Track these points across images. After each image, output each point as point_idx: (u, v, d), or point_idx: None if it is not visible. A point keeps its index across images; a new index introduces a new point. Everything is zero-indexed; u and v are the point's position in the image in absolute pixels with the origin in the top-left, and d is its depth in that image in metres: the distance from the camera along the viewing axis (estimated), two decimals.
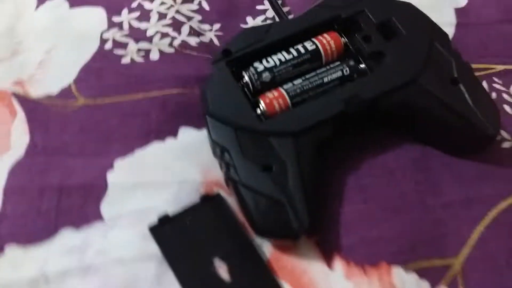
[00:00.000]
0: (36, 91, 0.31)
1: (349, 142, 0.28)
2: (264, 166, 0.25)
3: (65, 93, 0.31)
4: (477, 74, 0.31)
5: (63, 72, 0.32)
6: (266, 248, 0.25)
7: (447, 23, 0.35)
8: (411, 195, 0.27)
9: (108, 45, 0.33)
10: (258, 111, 0.26)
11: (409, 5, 0.30)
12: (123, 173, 0.27)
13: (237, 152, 0.25)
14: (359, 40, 0.29)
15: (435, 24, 0.30)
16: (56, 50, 0.33)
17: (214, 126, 0.26)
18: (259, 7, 0.37)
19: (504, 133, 0.29)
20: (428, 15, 0.30)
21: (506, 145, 0.29)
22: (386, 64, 0.28)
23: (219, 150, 0.26)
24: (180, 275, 0.24)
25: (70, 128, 0.29)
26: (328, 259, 0.25)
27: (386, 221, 0.26)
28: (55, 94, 0.31)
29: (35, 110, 0.30)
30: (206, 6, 0.36)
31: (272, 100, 0.27)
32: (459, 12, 0.36)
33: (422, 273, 0.24)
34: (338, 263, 0.25)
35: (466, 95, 0.27)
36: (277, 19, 0.34)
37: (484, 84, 0.31)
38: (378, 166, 0.28)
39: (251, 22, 0.36)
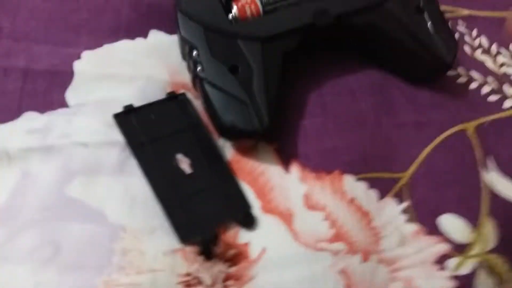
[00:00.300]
0: None
1: (315, 62, 0.29)
2: (231, 67, 0.25)
3: None
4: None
5: None
6: (227, 150, 0.26)
7: None
8: (367, 114, 0.28)
9: None
10: (230, 15, 0.27)
11: None
12: (90, 63, 0.27)
13: (205, 51, 0.25)
14: None
15: None
16: None
17: (184, 23, 0.26)
18: None
19: (460, 69, 0.31)
20: None
21: (460, 80, 0.31)
22: None
23: (188, 48, 0.26)
24: (142, 163, 0.24)
25: (38, 15, 0.29)
26: (285, 164, 0.26)
27: (342, 134, 0.27)
28: None
29: None
30: None
31: (244, 5, 0.27)
32: None
33: (372, 184, 0.26)
34: (294, 168, 0.26)
35: (429, 24, 0.28)
36: None
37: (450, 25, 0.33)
38: (340, 86, 0.29)
39: None
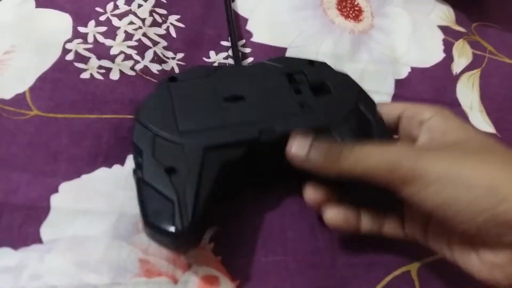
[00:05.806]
0: None
1: (278, 192, 0.32)
2: (168, 168, 0.26)
3: (19, 100, 0.31)
4: None
5: (20, 77, 0.32)
6: (193, 283, 0.28)
7: (385, 93, 0.39)
8: (324, 252, 0.31)
9: (70, 56, 0.34)
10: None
11: (345, 75, 0.34)
12: (67, 197, 0.28)
13: (148, 153, 0.27)
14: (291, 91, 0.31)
15: (365, 92, 0.33)
16: (16, 53, 0.33)
17: (138, 129, 0.28)
18: (223, 43, 0.38)
19: None
20: (371, 82, 0.35)
21: None
22: (307, 112, 0.30)
23: (135, 152, 0.27)
24: None
25: (19, 139, 0.29)
26: None
27: (299, 274, 0.29)
28: (8, 99, 0.31)
29: None
30: (173, 33, 0.37)
31: None
32: (398, 83, 0.40)
33: None
34: None
35: None
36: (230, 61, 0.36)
37: None
38: (302, 220, 0.31)
39: (213, 57, 0.38)
